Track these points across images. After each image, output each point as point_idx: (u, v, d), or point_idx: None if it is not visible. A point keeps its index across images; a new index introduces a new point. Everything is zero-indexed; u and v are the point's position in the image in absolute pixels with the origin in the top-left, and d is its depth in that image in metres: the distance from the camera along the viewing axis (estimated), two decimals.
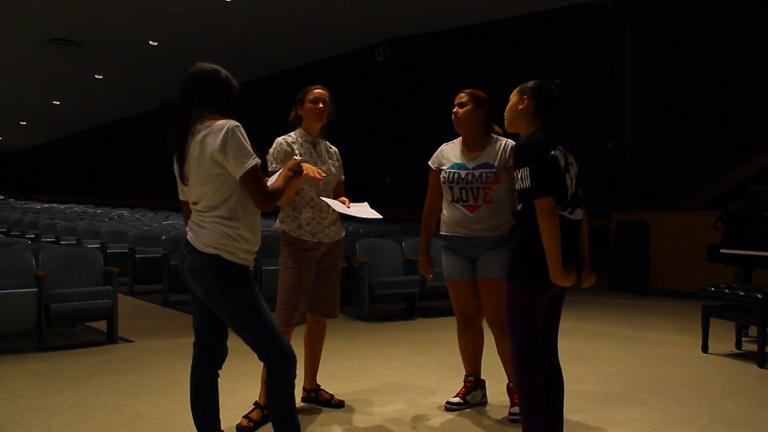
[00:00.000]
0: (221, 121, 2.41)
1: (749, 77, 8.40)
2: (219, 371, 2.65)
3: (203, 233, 2.45)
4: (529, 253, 2.59)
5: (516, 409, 3.28)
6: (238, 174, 2.39)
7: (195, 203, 2.51)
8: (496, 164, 3.27)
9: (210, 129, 2.40)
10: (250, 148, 2.41)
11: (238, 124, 2.42)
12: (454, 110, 3.38)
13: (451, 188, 3.34)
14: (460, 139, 3.46)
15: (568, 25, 10.50)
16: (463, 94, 3.38)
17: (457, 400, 3.53)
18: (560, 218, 2.58)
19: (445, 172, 3.37)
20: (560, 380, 2.74)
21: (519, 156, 2.60)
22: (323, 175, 3.19)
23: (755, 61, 8.34)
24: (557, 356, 2.77)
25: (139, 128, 24.03)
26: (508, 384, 3.42)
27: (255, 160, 2.41)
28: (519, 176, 2.58)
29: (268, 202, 2.48)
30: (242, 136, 2.40)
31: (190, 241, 2.49)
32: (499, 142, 3.34)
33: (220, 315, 2.52)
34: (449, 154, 3.44)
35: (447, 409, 3.50)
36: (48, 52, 14.78)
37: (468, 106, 3.34)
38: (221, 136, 2.37)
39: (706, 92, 8.83)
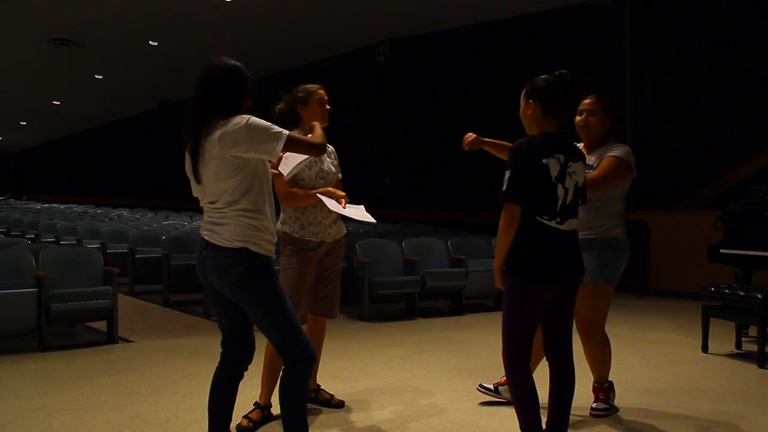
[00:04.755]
0: (236, 118, 2.41)
1: (749, 77, 8.40)
2: (244, 372, 2.66)
3: (226, 229, 2.45)
4: (521, 253, 2.60)
5: (598, 405, 3.39)
6: (276, 151, 2.41)
7: (212, 202, 2.49)
8: (595, 166, 3.24)
9: (225, 127, 2.39)
10: (272, 125, 2.43)
11: (250, 115, 2.44)
12: (583, 116, 3.33)
13: None
14: (582, 143, 3.43)
15: (568, 25, 10.49)
16: (593, 100, 3.33)
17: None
18: (543, 227, 2.59)
19: None
20: (570, 379, 2.74)
21: (508, 158, 2.61)
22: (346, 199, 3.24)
23: (755, 61, 8.33)
24: (570, 354, 2.76)
25: (139, 128, 24.03)
26: (594, 382, 3.45)
27: (285, 131, 2.44)
28: (504, 177, 2.59)
29: (320, 150, 2.60)
30: (260, 120, 2.42)
31: (210, 240, 2.48)
32: (605, 146, 3.29)
33: (246, 309, 2.52)
34: None
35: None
36: (48, 52, 14.76)
37: (598, 115, 3.31)
38: (241, 130, 2.38)
39: (706, 92, 8.82)
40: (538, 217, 2.58)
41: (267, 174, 2.56)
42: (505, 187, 2.56)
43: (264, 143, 2.39)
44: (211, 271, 2.48)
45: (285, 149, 2.45)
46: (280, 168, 3.10)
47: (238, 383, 2.66)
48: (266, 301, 2.47)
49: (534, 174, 2.56)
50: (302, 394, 2.53)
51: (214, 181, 2.45)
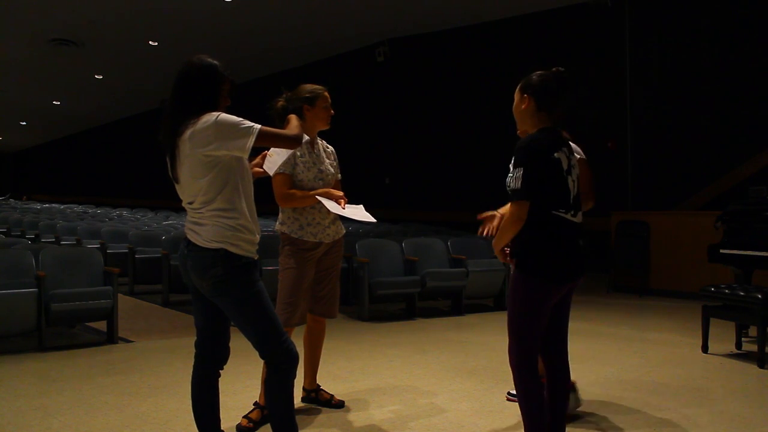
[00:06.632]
0: (205, 116, 2.39)
1: (749, 77, 8.40)
2: (221, 371, 2.65)
3: (204, 229, 2.44)
4: (540, 252, 2.56)
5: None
6: (247, 147, 2.36)
7: (190, 203, 2.49)
8: None
9: (195, 126, 2.38)
10: (243, 120, 2.39)
11: (220, 112, 2.41)
12: None
13: None
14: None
15: (568, 25, 10.50)
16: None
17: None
18: (561, 221, 2.56)
19: None
20: (566, 378, 2.73)
21: (517, 156, 2.55)
22: (345, 199, 3.22)
23: (755, 61, 8.33)
24: (566, 357, 2.75)
25: (139, 128, 24.01)
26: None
27: (257, 125, 2.40)
28: (513, 175, 2.54)
29: (296, 142, 2.51)
30: (229, 116, 2.39)
31: (191, 239, 2.48)
32: None
33: (226, 311, 2.51)
34: None
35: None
36: (48, 52, 14.78)
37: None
38: (210, 128, 2.35)
39: (706, 92, 8.83)
40: (555, 212, 2.55)
41: (243, 171, 2.52)
42: (519, 185, 2.50)
43: (234, 139, 2.36)
44: (192, 270, 2.48)
45: (258, 144, 2.40)
46: (264, 167, 3.08)
47: (217, 382, 2.64)
48: (246, 303, 2.45)
49: (548, 169, 2.54)
50: (287, 397, 2.51)
51: (189, 180, 2.44)
